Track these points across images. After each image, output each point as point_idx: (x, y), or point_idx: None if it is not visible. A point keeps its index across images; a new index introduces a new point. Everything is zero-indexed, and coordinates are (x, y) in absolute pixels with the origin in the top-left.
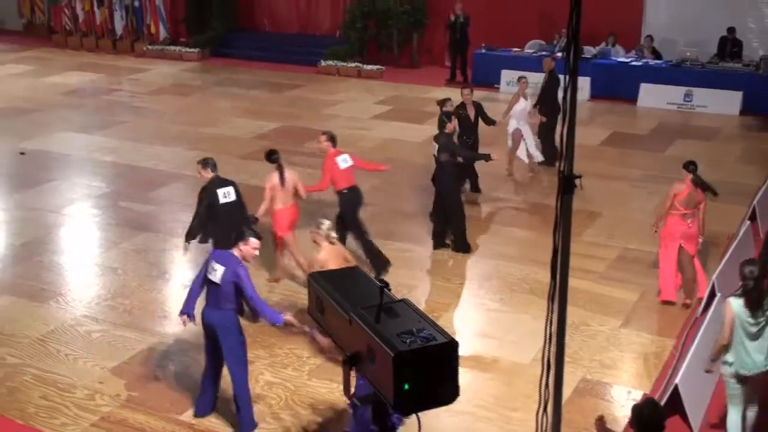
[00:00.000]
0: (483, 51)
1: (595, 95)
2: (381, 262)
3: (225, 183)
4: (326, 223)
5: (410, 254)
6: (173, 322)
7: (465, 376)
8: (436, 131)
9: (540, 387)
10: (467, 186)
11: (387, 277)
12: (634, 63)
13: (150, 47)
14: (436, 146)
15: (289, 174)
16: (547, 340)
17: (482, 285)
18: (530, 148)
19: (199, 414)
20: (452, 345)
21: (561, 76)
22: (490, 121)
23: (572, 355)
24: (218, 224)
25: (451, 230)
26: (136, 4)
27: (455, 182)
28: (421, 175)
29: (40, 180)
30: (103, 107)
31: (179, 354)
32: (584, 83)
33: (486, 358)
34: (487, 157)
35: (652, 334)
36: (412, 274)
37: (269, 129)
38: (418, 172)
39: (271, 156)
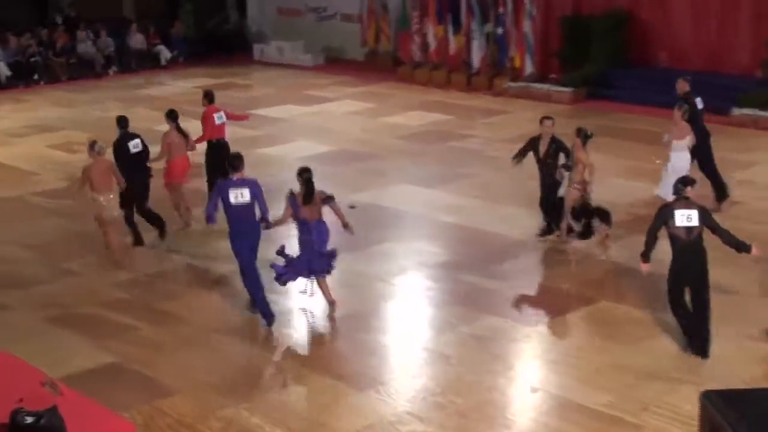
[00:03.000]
0: None
1: None
2: None
3: (133, 137)
4: (97, 144)
5: None
6: None
7: None
8: None
9: None
10: None
11: None
12: None
13: (512, 84)
14: (690, 213)
15: (183, 130)
16: None
17: None
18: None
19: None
20: None
21: None
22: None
23: None
24: (129, 169)
25: (701, 328)
26: (500, 31)
27: None
28: None
29: (370, 241)
30: (449, 156)
31: None
32: None
33: None
34: (747, 248)
35: None
36: None
37: (654, 193)
38: None
39: (171, 114)
